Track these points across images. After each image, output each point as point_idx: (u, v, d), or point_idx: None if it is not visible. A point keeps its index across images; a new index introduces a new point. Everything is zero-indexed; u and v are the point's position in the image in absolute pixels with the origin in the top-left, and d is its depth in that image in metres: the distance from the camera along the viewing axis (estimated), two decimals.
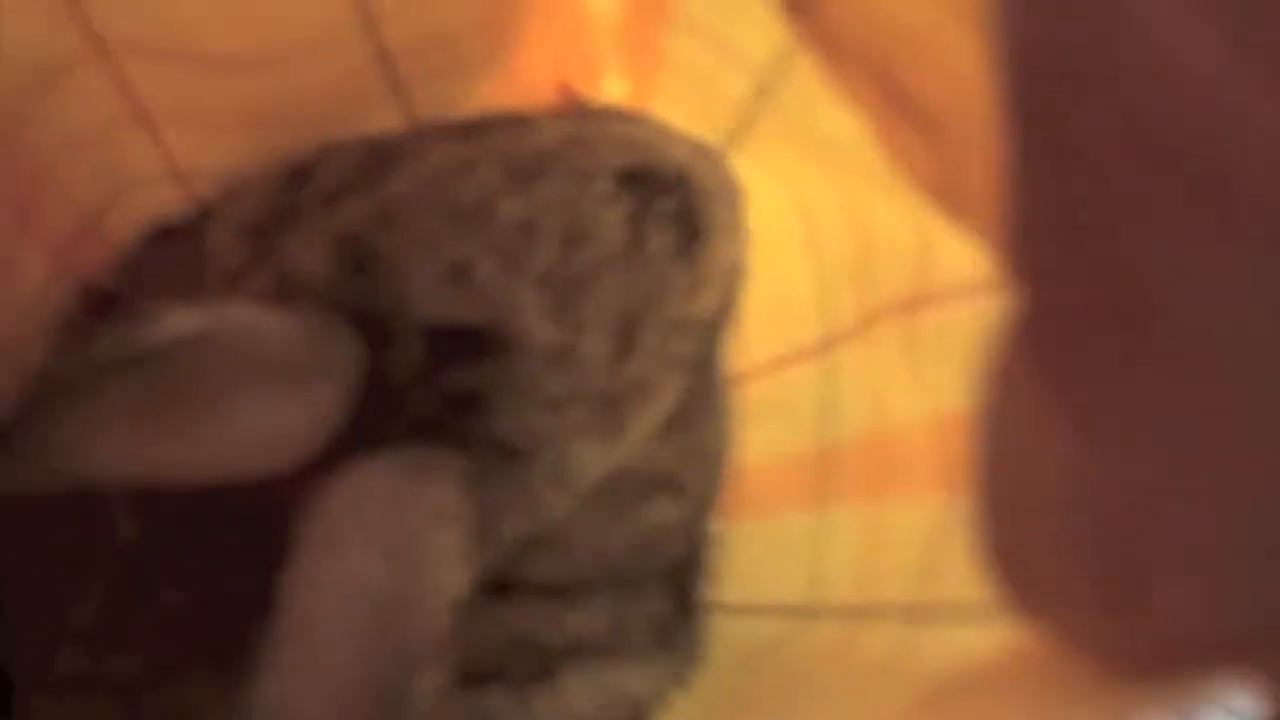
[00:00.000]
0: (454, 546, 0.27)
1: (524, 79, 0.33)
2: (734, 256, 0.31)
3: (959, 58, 0.22)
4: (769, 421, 0.34)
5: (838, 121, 0.27)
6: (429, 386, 0.28)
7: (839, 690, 0.29)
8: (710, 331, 0.32)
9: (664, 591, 0.35)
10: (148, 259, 0.34)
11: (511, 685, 0.32)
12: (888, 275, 0.31)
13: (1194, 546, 0.11)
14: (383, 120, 0.33)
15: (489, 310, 0.28)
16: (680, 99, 0.31)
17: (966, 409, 0.28)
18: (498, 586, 0.30)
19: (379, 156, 0.31)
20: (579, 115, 0.31)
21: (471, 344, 0.28)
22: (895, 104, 0.25)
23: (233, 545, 0.28)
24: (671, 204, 0.29)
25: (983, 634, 0.25)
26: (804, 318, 0.35)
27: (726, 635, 0.36)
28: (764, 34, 0.29)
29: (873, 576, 0.32)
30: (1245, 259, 0.09)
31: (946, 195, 0.25)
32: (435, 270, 0.28)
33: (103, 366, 0.25)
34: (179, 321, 0.25)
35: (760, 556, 0.36)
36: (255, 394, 0.26)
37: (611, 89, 0.34)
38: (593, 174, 0.29)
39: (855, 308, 0.33)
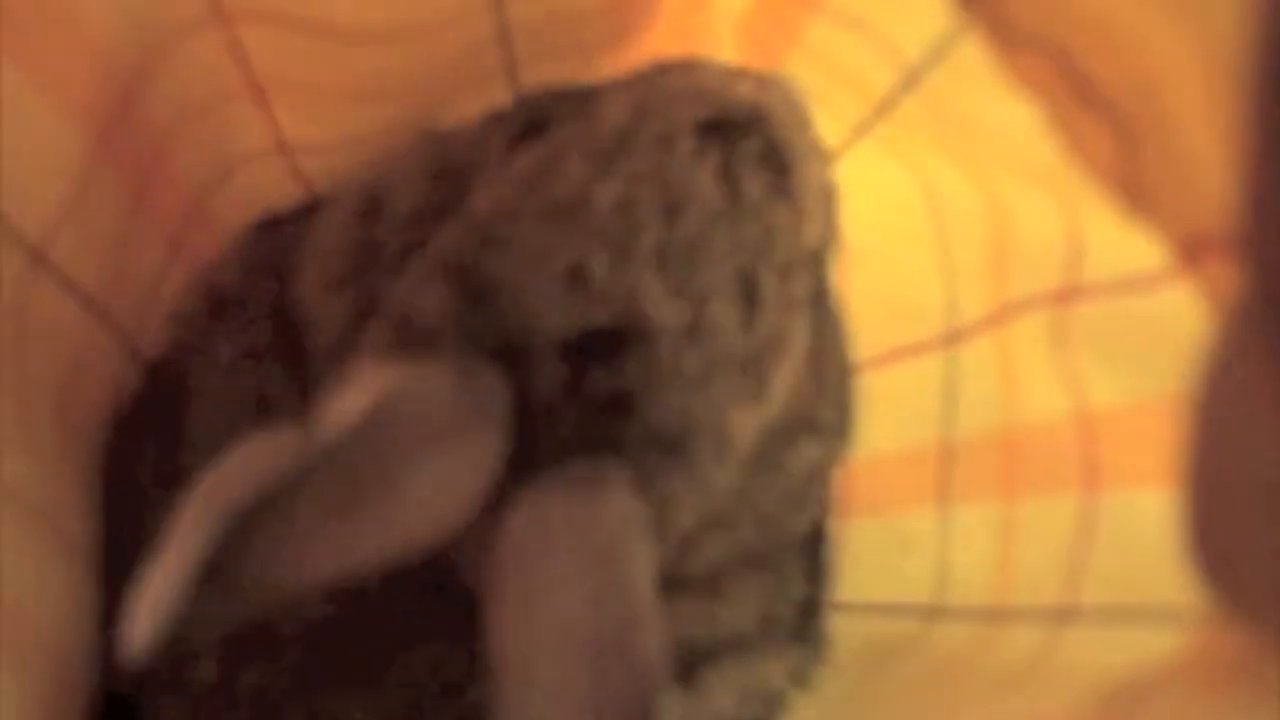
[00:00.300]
0: (645, 562, 0.26)
1: (639, 61, 0.32)
2: (824, 179, 0.31)
3: (1147, 45, 0.22)
4: (886, 414, 0.34)
5: (1004, 108, 0.27)
6: (574, 398, 0.27)
7: (979, 691, 0.28)
8: (820, 259, 0.31)
9: (804, 574, 0.35)
10: (256, 255, 0.34)
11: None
12: (1030, 269, 0.30)
13: None
14: (490, 99, 0.33)
15: (614, 306, 0.27)
16: (808, 88, 0.30)
17: (1118, 404, 0.28)
18: (665, 583, 0.28)
19: (447, 170, 0.31)
20: (638, 78, 0.30)
21: (605, 344, 0.27)
22: (1076, 91, 0.24)
23: (422, 611, 0.28)
24: (755, 144, 0.29)
25: (1138, 638, 0.25)
26: (925, 310, 0.35)
27: (847, 634, 0.35)
28: (919, 26, 0.29)
29: (1008, 577, 0.31)
30: None
31: (1127, 184, 0.24)
32: (552, 281, 0.27)
33: (288, 482, 0.24)
34: (348, 411, 0.24)
35: (880, 554, 0.36)
36: (424, 461, 0.25)
37: None
38: (674, 136, 0.28)
39: (987, 301, 0.32)
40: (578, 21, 0.32)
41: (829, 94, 0.31)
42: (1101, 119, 0.24)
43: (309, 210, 0.35)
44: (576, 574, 0.25)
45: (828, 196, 0.31)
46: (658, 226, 0.27)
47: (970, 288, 0.33)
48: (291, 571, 0.24)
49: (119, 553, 0.32)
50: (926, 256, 0.35)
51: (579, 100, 0.30)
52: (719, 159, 0.28)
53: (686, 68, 0.30)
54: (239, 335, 0.33)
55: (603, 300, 0.27)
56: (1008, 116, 0.27)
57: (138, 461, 0.33)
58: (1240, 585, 0.14)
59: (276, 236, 0.35)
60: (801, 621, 0.35)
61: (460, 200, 0.29)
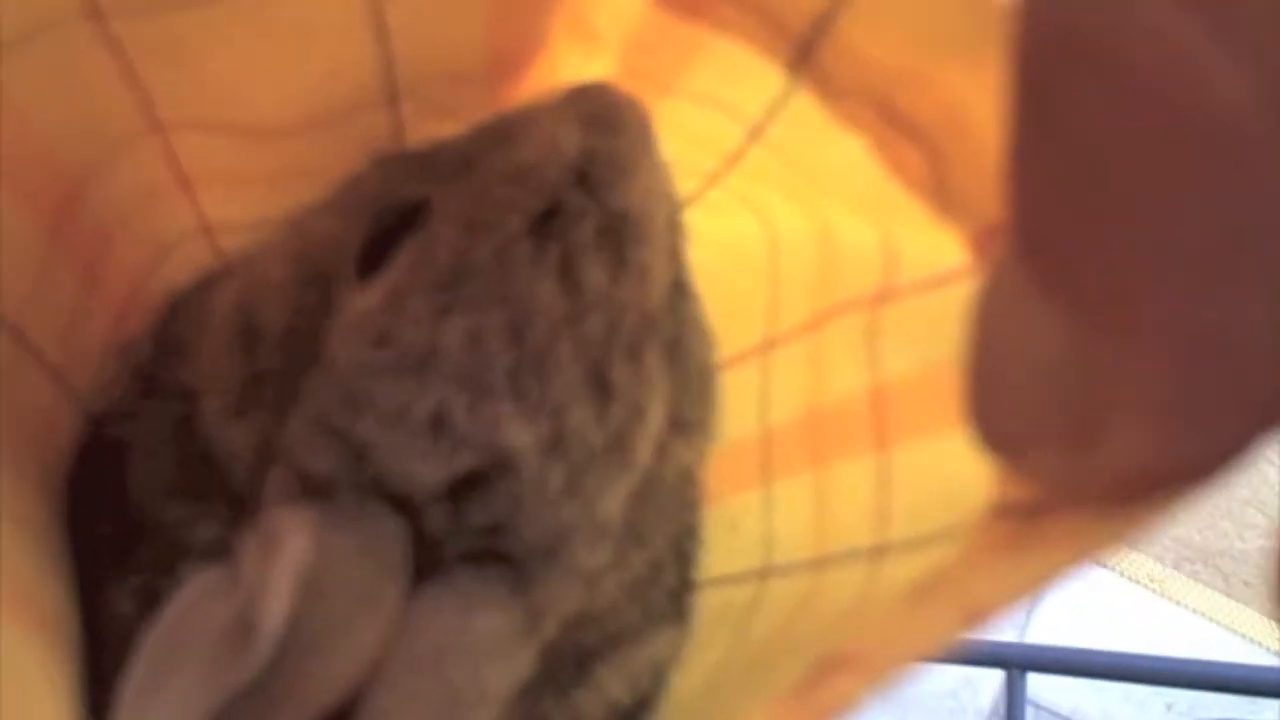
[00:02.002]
0: (499, 686, 0.27)
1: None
2: (668, 217, 0.31)
3: (947, 85, 0.24)
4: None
5: (833, 145, 0.28)
6: (458, 532, 0.28)
7: (823, 625, 0.31)
8: (673, 301, 0.32)
9: (675, 567, 0.37)
10: (165, 334, 0.36)
11: (556, 691, 0.33)
12: (849, 280, 0.33)
13: (1143, 395, 0.13)
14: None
15: (478, 448, 0.27)
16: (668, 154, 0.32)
17: (908, 372, 0.31)
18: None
19: (313, 277, 0.31)
20: (465, 164, 0.30)
21: (476, 482, 0.27)
22: (893, 126, 0.27)
23: None
24: (591, 222, 0.29)
25: (937, 555, 0.27)
26: (749, 325, 0.37)
27: (698, 608, 0.38)
28: (759, 91, 0.30)
29: (825, 532, 0.34)
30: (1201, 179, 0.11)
31: (936, 192, 0.27)
32: (416, 434, 0.27)
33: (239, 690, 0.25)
34: (278, 605, 0.25)
35: (715, 536, 0.39)
36: (341, 630, 0.26)
37: None
38: (508, 247, 0.28)
39: (804, 310, 0.35)
40: (460, 89, 0.34)
41: (683, 153, 0.32)
42: (915, 143, 0.26)
43: (205, 286, 0.36)
44: (426, 705, 0.26)
45: (674, 237, 0.31)
46: (507, 352, 0.27)
47: (792, 303, 0.36)
48: None
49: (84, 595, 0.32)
50: (758, 281, 0.37)
51: (415, 208, 0.30)
52: (557, 255, 0.28)
53: (508, 138, 0.30)
54: (161, 412, 0.34)
55: (466, 444, 0.27)
56: (835, 149, 0.28)
57: (90, 520, 0.33)
58: (1008, 440, 0.16)
59: (180, 315, 0.36)
60: (673, 605, 0.37)
61: (325, 316, 0.29)
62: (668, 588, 0.36)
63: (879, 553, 0.32)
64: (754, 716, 0.28)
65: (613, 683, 0.34)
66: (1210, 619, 1.48)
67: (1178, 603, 1.50)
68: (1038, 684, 0.75)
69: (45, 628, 0.29)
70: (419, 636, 0.27)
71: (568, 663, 0.33)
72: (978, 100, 0.24)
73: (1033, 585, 0.19)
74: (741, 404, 0.37)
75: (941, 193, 0.27)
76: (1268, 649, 1.44)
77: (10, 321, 0.30)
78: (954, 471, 0.29)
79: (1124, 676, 0.76)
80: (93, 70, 0.30)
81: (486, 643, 0.27)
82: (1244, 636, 1.45)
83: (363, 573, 0.27)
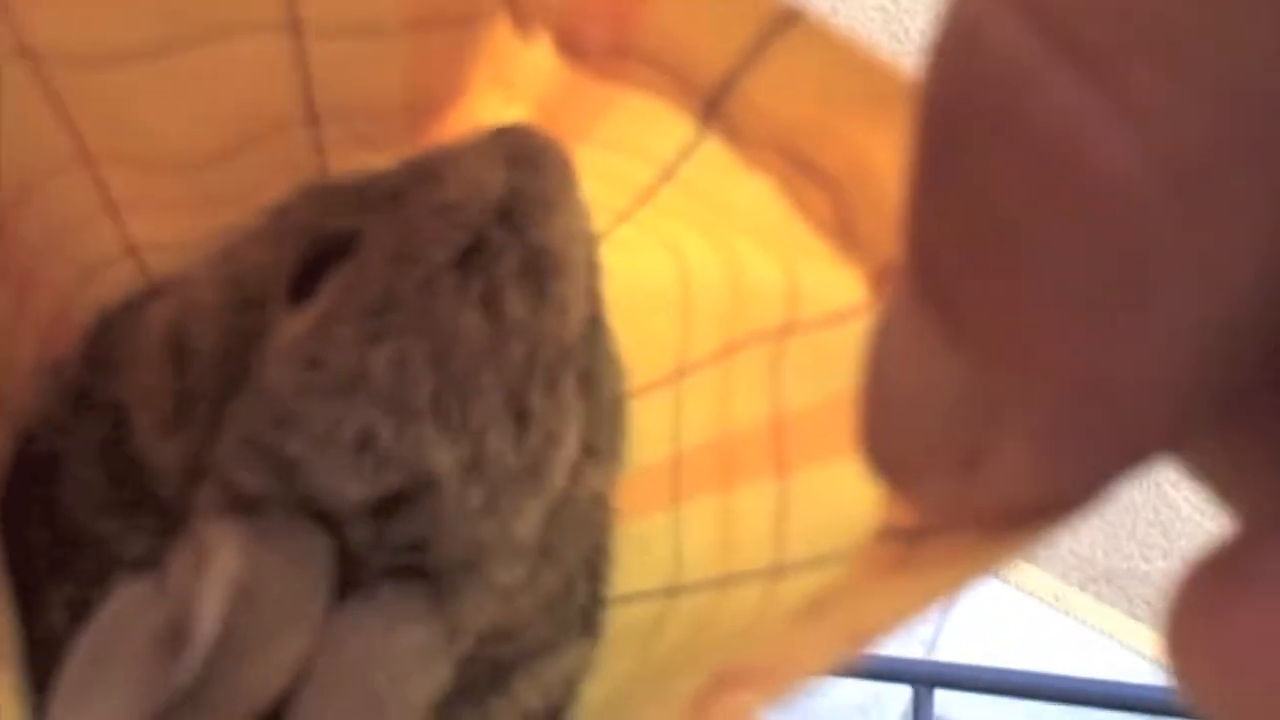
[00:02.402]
0: (421, 696, 0.28)
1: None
2: (587, 260, 0.32)
3: (850, 136, 0.25)
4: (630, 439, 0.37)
5: (741, 185, 0.29)
6: (380, 548, 0.29)
7: (723, 638, 0.32)
8: (589, 336, 0.33)
9: (586, 583, 0.38)
10: (95, 352, 0.37)
11: (473, 700, 0.34)
12: (756, 312, 0.34)
13: (1027, 425, 0.14)
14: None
15: (402, 469, 0.28)
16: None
17: (806, 404, 0.32)
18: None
19: (245, 303, 0.31)
20: (393, 198, 0.31)
21: (399, 500, 0.28)
22: (799, 170, 0.27)
23: None
24: (513, 258, 0.29)
25: (828, 576, 0.29)
26: (663, 354, 0.39)
27: (612, 621, 0.39)
28: (672, 137, 0.31)
29: (730, 552, 0.35)
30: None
31: (840, 232, 0.27)
32: (343, 453, 0.28)
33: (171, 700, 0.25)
34: (209, 617, 0.26)
35: (625, 554, 0.40)
36: (265, 643, 0.27)
37: None
38: (434, 279, 0.29)
39: (716, 340, 0.36)
40: (380, 124, 0.35)
41: (596, 192, 0.33)
42: (820, 186, 0.27)
43: (134, 305, 0.37)
44: (350, 714, 0.27)
45: (592, 275, 0.32)
46: (431, 378, 0.28)
47: (704, 333, 0.37)
48: None
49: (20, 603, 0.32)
50: (670, 314, 0.38)
51: (345, 238, 0.31)
52: (481, 287, 0.29)
53: (435, 176, 0.30)
54: (91, 427, 0.34)
55: (391, 464, 0.28)
56: (743, 189, 0.29)
57: (21, 532, 0.34)
58: (897, 466, 0.17)
59: (109, 333, 0.37)
60: (585, 619, 0.38)
61: (257, 339, 0.30)
62: (579, 604, 0.37)
63: (776, 573, 0.33)
64: None
65: (527, 692, 0.35)
66: (1114, 639, 1.51)
67: (1083, 622, 1.53)
68: (945, 701, 0.76)
69: None
70: (344, 648, 0.28)
71: (484, 674, 0.34)
72: (879, 149, 0.25)
73: (916, 607, 0.20)
74: (654, 430, 0.39)
75: (845, 233, 0.28)
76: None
77: None
78: (846, 497, 0.31)
79: (1031, 694, 0.77)
80: (25, 107, 0.31)
81: (408, 654, 0.28)
82: (1147, 657, 1.48)
83: (289, 586, 0.27)
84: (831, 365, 0.32)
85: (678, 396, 0.39)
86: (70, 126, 0.32)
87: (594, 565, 0.39)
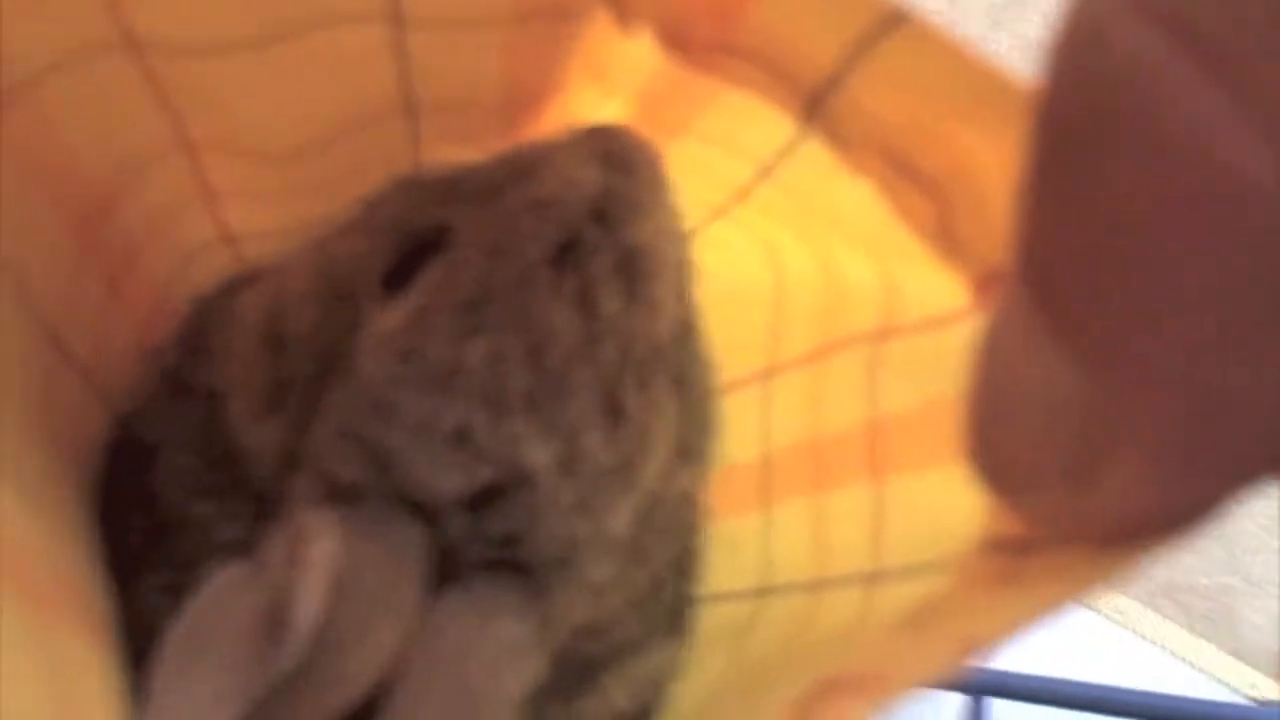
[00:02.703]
0: (515, 690, 0.28)
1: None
2: (679, 262, 0.32)
3: (953, 139, 0.25)
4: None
5: (841, 187, 0.29)
6: (476, 541, 0.29)
7: (818, 645, 0.32)
8: (681, 338, 0.33)
9: (675, 583, 0.37)
10: (190, 337, 0.37)
11: (562, 698, 0.33)
12: (852, 315, 0.34)
13: (1146, 440, 0.14)
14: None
15: (497, 462, 0.28)
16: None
17: (904, 409, 0.32)
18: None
19: (336, 294, 0.32)
20: (488, 192, 0.31)
21: (494, 495, 0.29)
22: (901, 173, 0.27)
23: None
24: (608, 256, 0.30)
25: (929, 584, 0.29)
26: (753, 351, 0.39)
27: (701, 621, 0.39)
28: (772, 136, 0.30)
29: (823, 554, 0.35)
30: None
31: (943, 239, 0.27)
32: (439, 447, 0.28)
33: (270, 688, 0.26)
34: (310, 613, 0.26)
35: (716, 554, 0.40)
36: (363, 633, 0.27)
37: None
38: (529, 275, 0.29)
39: (809, 341, 0.36)
40: (475, 117, 0.35)
41: (693, 187, 0.33)
42: (922, 190, 0.27)
43: (230, 290, 0.37)
44: (446, 706, 0.27)
45: (682, 276, 0.32)
46: (526, 374, 0.28)
47: (796, 333, 0.37)
48: None
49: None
50: (762, 312, 0.38)
51: (439, 231, 0.31)
52: (575, 285, 0.29)
53: (531, 172, 0.31)
54: (188, 413, 0.34)
55: (486, 458, 0.28)
56: (843, 191, 0.29)
57: (119, 518, 0.34)
58: (1008, 475, 0.17)
59: (206, 320, 0.37)
60: (673, 618, 0.38)
61: (351, 328, 0.30)
62: (667, 603, 0.37)
63: (873, 579, 0.33)
64: None
65: (616, 691, 0.35)
66: (1173, 653, 1.49)
67: (1142, 636, 1.51)
68: (1000, 710, 0.75)
69: (96, 630, 0.30)
70: (440, 640, 0.28)
71: (574, 671, 0.34)
72: (983, 153, 0.25)
73: (1027, 619, 0.20)
74: (743, 429, 0.38)
75: (947, 238, 0.28)
76: (1228, 685, 1.45)
77: (48, 325, 0.31)
78: (945, 505, 0.30)
79: (1086, 706, 0.76)
80: (128, 94, 0.31)
81: (504, 648, 0.28)
82: (1204, 672, 1.46)
83: (386, 576, 0.28)
84: (930, 370, 0.32)
85: (767, 395, 0.39)
86: (172, 114, 0.32)
87: (683, 565, 0.38)
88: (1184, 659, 1.45)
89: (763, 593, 0.38)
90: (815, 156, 0.30)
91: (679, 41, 0.30)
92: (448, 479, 0.28)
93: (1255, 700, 1.33)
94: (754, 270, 0.38)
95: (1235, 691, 1.38)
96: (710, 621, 0.39)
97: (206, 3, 0.29)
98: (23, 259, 0.29)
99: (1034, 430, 0.16)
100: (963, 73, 0.24)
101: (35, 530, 0.28)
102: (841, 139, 0.29)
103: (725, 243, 0.37)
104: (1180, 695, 0.74)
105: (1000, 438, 0.17)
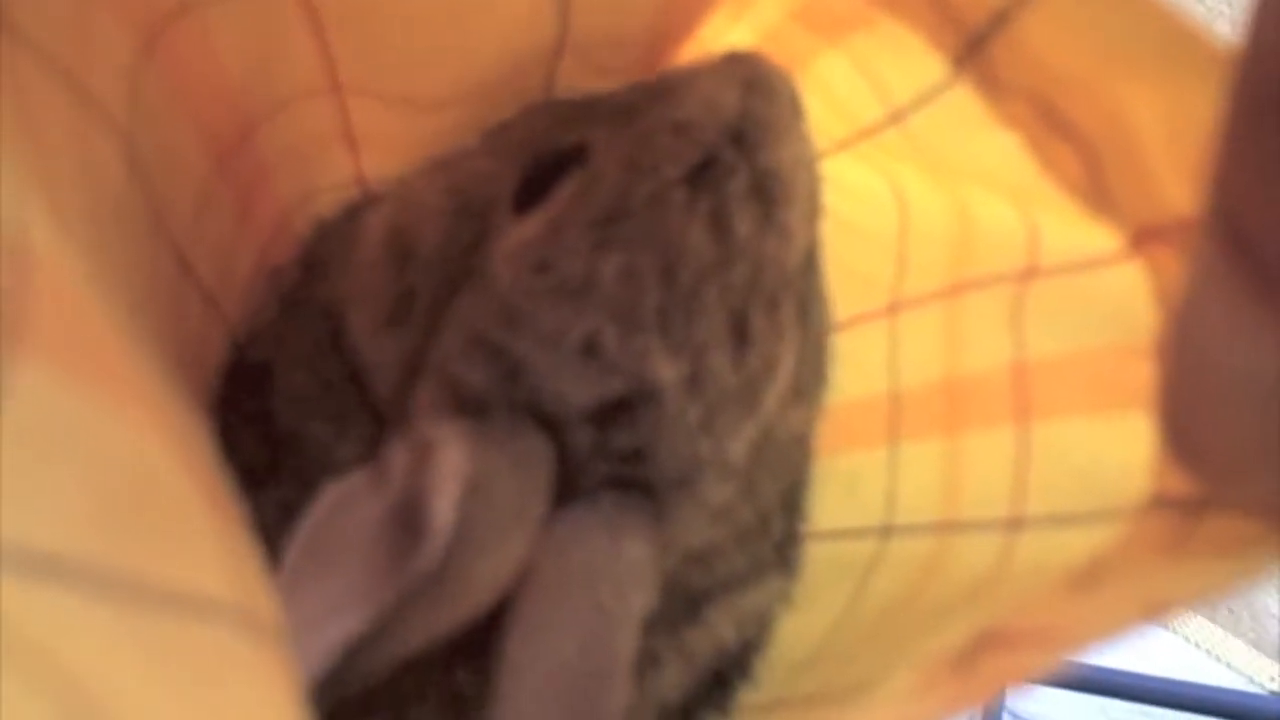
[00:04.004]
0: (638, 616, 0.29)
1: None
2: (811, 188, 0.32)
3: (1111, 91, 0.25)
4: (839, 370, 0.36)
5: (983, 139, 0.29)
6: (601, 456, 0.29)
7: (954, 595, 0.32)
8: (806, 268, 0.33)
9: (782, 519, 0.37)
10: (312, 258, 0.37)
11: (668, 627, 0.33)
12: (989, 254, 0.34)
13: None
14: None
15: (626, 376, 0.28)
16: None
17: (1052, 352, 0.32)
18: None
19: (466, 207, 0.32)
20: (625, 113, 0.31)
21: (621, 408, 0.29)
22: (1051, 127, 0.27)
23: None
24: (743, 179, 0.29)
25: (1084, 535, 0.29)
26: (874, 287, 0.38)
27: (812, 557, 0.39)
28: (915, 77, 0.30)
29: (955, 497, 0.35)
30: None
31: (1091, 195, 0.27)
32: (569, 356, 0.28)
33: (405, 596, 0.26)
34: (445, 514, 0.26)
35: (835, 489, 0.39)
36: (492, 542, 0.27)
37: None
38: (665, 193, 0.29)
39: (937, 279, 0.36)
40: (621, 51, 0.34)
41: (821, 114, 0.33)
42: (1073, 146, 0.27)
43: (352, 213, 0.37)
44: (576, 621, 0.28)
45: (814, 204, 0.32)
46: (658, 290, 0.29)
47: (923, 270, 0.37)
48: (380, 654, 0.26)
49: None
50: (884, 247, 0.38)
51: (575, 150, 0.31)
52: (709, 205, 0.29)
53: (671, 94, 0.31)
54: (305, 331, 0.34)
55: (615, 371, 0.28)
56: (985, 143, 0.29)
57: (234, 439, 0.33)
58: (1221, 469, 0.16)
59: (327, 240, 0.37)
60: (780, 554, 0.37)
61: (480, 243, 0.31)
62: (774, 539, 0.37)
63: (1014, 526, 0.32)
64: (897, 679, 0.29)
65: (721, 624, 0.35)
66: (1194, 644, 1.49)
67: (1164, 625, 1.51)
68: (1016, 693, 0.75)
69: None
70: (568, 555, 0.28)
71: (680, 602, 0.34)
72: (1139, 107, 0.25)
73: (1215, 588, 0.20)
74: (866, 364, 0.38)
75: (1095, 194, 0.28)
76: (1248, 677, 1.45)
77: (178, 248, 0.31)
78: (1098, 455, 0.30)
79: (1105, 691, 0.76)
80: (286, 26, 0.31)
81: (632, 568, 0.29)
82: (1225, 663, 1.46)
83: (514, 486, 0.28)
84: (1080, 315, 0.31)
85: (893, 332, 0.38)
86: (326, 52, 0.32)
87: (791, 502, 0.38)
88: (1206, 649, 1.45)
89: (885, 532, 0.37)
90: (959, 104, 0.30)
91: None
92: (575, 391, 0.28)
93: (1275, 693, 1.33)
94: (876, 205, 0.38)
95: (1255, 683, 1.38)
96: (827, 558, 0.39)
97: None
98: (161, 177, 0.29)
99: (1241, 411, 0.15)
100: (1141, 19, 0.24)
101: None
102: (993, 86, 0.28)
103: (846, 178, 0.36)
104: (1201, 683, 0.74)
105: (1200, 419, 0.16)
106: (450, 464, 0.27)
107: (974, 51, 0.28)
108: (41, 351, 0.16)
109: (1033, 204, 0.31)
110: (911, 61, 0.30)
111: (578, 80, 0.35)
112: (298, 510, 0.28)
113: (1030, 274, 0.33)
